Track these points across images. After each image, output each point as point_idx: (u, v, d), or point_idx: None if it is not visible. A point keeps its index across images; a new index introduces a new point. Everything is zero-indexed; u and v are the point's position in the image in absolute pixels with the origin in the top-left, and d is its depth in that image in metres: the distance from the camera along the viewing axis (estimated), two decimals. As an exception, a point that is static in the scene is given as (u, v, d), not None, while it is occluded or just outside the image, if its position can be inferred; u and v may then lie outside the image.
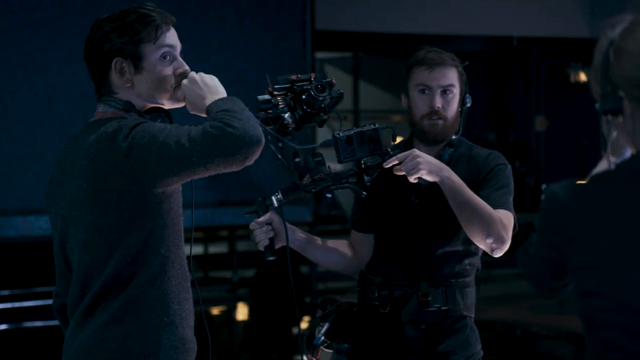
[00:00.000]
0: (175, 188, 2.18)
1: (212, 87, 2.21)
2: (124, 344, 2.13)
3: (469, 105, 2.76)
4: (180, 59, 2.27)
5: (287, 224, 2.62)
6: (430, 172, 2.54)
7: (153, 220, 2.14)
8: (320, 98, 2.45)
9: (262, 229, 2.62)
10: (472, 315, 2.74)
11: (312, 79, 2.47)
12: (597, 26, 9.78)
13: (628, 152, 1.65)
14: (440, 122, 2.70)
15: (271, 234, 2.62)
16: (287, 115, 2.45)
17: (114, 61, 2.21)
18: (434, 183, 2.62)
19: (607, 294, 1.58)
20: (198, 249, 10.08)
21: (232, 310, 8.66)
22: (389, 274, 2.71)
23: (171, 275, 2.18)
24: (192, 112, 2.26)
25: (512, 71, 11.66)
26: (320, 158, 2.54)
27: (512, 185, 2.71)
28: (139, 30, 2.21)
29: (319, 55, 10.03)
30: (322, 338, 2.67)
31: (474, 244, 2.69)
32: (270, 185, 7.22)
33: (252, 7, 7.15)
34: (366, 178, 2.54)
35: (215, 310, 8.33)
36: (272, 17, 7.20)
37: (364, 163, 2.54)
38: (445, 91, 2.71)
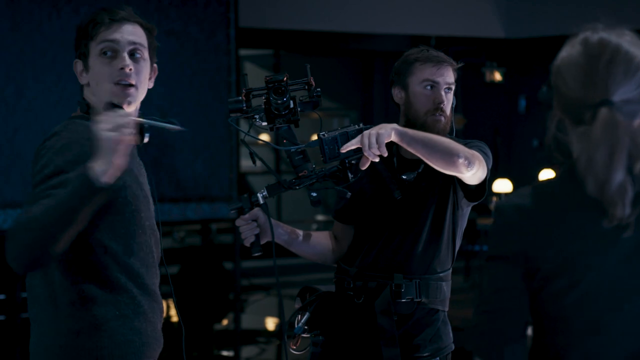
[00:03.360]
0: (120, 186, 2.15)
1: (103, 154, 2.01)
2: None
3: (454, 105, 2.79)
4: (124, 54, 2.21)
5: (272, 219, 2.65)
6: (395, 134, 2.46)
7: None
8: (279, 102, 2.47)
9: (248, 226, 2.64)
10: (446, 309, 2.78)
11: (285, 79, 2.49)
12: (513, 27, 10.05)
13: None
14: (443, 119, 2.73)
15: (257, 230, 2.65)
16: (258, 116, 2.49)
17: (74, 63, 2.28)
18: (419, 180, 2.69)
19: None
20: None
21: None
22: (365, 265, 2.76)
23: (128, 266, 2.26)
24: None
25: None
26: (303, 155, 2.55)
27: (489, 154, 2.68)
28: (85, 28, 2.25)
29: (240, 52, 10.07)
30: (303, 327, 2.73)
31: (452, 241, 2.75)
32: (197, 182, 7.24)
33: (176, 5, 7.17)
34: (350, 176, 2.56)
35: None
36: (197, 15, 7.24)
37: (349, 162, 2.55)
38: (448, 89, 2.76)
